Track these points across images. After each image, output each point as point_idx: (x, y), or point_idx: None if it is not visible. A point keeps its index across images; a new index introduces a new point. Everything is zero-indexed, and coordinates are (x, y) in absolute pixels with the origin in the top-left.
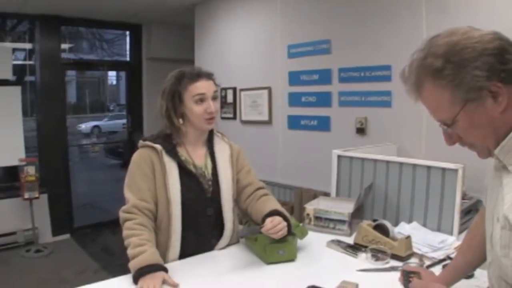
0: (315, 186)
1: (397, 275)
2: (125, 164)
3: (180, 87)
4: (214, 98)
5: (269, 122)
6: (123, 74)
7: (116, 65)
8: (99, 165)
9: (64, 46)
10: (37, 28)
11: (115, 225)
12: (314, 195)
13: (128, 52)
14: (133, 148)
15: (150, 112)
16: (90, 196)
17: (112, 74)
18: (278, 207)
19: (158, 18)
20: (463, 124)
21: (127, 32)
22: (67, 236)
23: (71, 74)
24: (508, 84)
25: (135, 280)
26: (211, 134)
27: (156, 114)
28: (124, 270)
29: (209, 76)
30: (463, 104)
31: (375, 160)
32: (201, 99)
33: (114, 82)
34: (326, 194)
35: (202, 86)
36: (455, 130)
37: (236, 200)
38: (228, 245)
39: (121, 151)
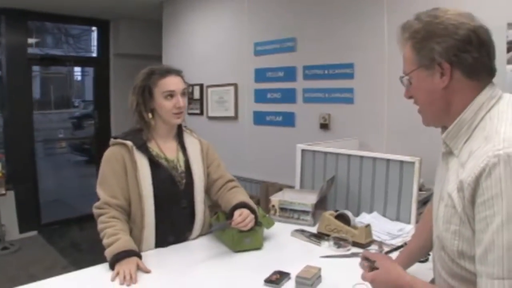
0: (281, 179)
1: (358, 260)
2: (91, 161)
3: (150, 83)
4: (183, 94)
5: (235, 118)
6: (89, 70)
7: (83, 61)
8: (64, 161)
9: (31, 40)
10: (2, 22)
11: (82, 221)
12: (280, 188)
13: (94, 48)
14: (100, 143)
15: (117, 108)
16: (56, 193)
17: (77, 70)
18: (246, 199)
19: (126, 14)
20: (415, 83)
21: (93, 28)
22: (34, 233)
23: (35, 69)
24: (457, 69)
25: (111, 266)
26: (180, 129)
27: (124, 110)
28: (93, 265)
29: (178, 72)
30: (417, 66)
31: (337, 154)
32: (171, 95)
33: (79, 78)
34: (291, 187)
35: (171, 83)
36: (410, 87)
37: (207, 192)
38: (199, 235)
39: (86, 148)
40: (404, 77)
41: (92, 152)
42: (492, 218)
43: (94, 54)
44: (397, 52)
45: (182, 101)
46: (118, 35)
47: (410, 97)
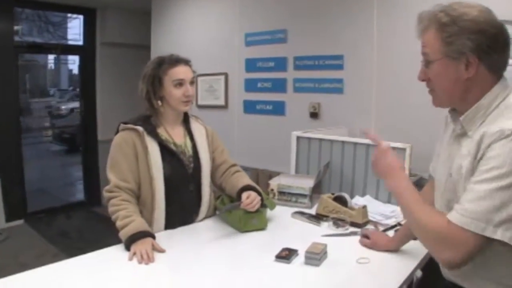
0: (271, 166)
1: (357, 238)
2: (72, 150)
3: (160, 72)
4: (191, 82)
5: (225, 106)
6: (65, 58)
7: (69, 49)
8: (44, 150)
9: (17, 28)
10: None
11: (68, 209)
12: (270, 175)
13: (75, 36)
14: (86, 132)
15: (103, 96)
16: (39, 182)
17: (51, 58)
18: (251, 182)
19: (114, 2)
20: (437, 69)
21: (74, 15)
22: (21, 221)
23: None
24: (482, 62)
25: (127, 247)
26: (186, 115)
27: (111, 98)
28: (84, 253)
29: (186, 62)
30: (444, 55)
31: (332, 141)
32: (180, 84)
33: (53, 66)
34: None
35: (181, 72)
36: (429, 70)
37: (211, 177)
38: (205, 217)
39: (67, 137)
40: (428, 63)
41: (75, 141)
42: (484, 173)
43: (75, 42)
44: (386, 44)
45: (191, 90)
46: (105, 24)
47: (423, 80)
